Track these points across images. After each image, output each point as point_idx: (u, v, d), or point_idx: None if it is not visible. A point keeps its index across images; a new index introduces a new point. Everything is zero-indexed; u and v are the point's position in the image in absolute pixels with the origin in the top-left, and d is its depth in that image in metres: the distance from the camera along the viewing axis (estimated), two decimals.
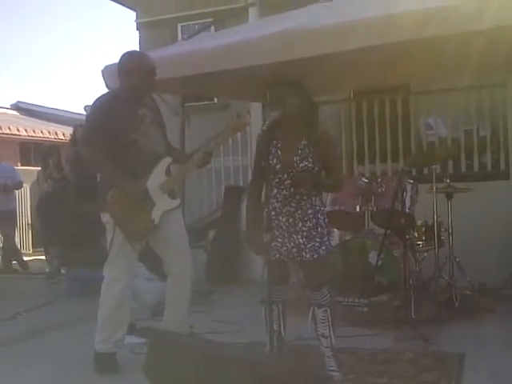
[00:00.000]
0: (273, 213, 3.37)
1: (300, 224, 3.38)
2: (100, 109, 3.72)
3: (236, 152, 7.78)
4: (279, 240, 3.39)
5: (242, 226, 6.97)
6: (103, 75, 4.90)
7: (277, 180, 3.39)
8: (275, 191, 3.40)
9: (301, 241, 3.37)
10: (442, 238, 5.09)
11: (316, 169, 3.37)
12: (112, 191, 3.60)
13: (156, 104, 3.92)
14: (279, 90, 3.39)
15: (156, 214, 3.65)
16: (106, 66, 4.93)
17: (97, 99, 3.76)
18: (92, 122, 3.78)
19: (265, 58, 4.08)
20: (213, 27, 8.08)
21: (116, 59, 3.86)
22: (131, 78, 3.71)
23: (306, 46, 3.90)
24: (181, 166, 3.86)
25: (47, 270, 7.67)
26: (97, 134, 3.62)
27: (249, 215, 3.56)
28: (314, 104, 3.47)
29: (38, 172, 7.85)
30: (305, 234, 3.37)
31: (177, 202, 3.78)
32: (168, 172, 3.76)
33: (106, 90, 4.18)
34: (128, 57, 3.81)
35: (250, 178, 3.69)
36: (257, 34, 4.44)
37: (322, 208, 3.49)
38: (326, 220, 3.48)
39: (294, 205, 3.38)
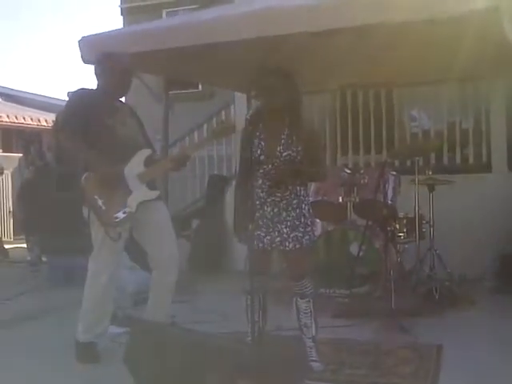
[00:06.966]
0: (257, 202, 3.38)
1: (284, 214, 3.40)
2: (77, 98, 3.76)
3: (220, 141, 7.74)
4: (263, 229, 3.40)
5: (226, 216, 6.98)
6: (80, 47, 4.62)
7: (262, 171, 3.39)
8: (260, 181, 3.40)
9: (284, 230, 3.39)
10: (423, 230, 5.13)
11: (299, 158, 3.38)
12: (86, 174, 3.58)
13: (132, 111, 3.92)
14: (268, 79, 3.36)
15: (132, 203, 3.60)
16: (83, 37, 4.63)
17: (74, 92, 3.83)
18: (68, 109, 3.79)
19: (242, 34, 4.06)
20: None
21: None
22: (107, 77, 3.72)
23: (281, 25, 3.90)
24: (158, 162, 3.84)
25: (28, 257, 7.61)
26: (72, 120, 3.62)
27: (237, 205, 3.55)
28: (299, 93, 3.46)
29: (20, 159, 7.77)
30: (288, 223, 3.39)
31: (155, 193, 3.73)
32: (147, 163, 3.70)
33: (84, 68, 4.28)
34: (103, 57, 3.81)
35: (233, 167, 3.69)
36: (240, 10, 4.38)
37: (307, 198, 3.51)
38: (311, 210, 3.50)
39: (279, 195, 3.39)
